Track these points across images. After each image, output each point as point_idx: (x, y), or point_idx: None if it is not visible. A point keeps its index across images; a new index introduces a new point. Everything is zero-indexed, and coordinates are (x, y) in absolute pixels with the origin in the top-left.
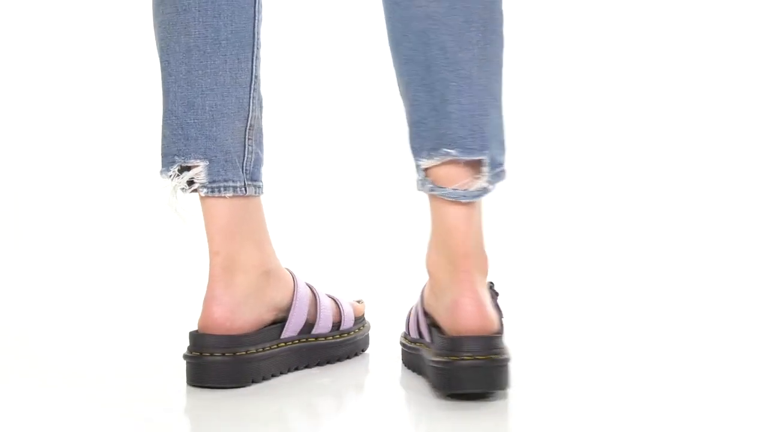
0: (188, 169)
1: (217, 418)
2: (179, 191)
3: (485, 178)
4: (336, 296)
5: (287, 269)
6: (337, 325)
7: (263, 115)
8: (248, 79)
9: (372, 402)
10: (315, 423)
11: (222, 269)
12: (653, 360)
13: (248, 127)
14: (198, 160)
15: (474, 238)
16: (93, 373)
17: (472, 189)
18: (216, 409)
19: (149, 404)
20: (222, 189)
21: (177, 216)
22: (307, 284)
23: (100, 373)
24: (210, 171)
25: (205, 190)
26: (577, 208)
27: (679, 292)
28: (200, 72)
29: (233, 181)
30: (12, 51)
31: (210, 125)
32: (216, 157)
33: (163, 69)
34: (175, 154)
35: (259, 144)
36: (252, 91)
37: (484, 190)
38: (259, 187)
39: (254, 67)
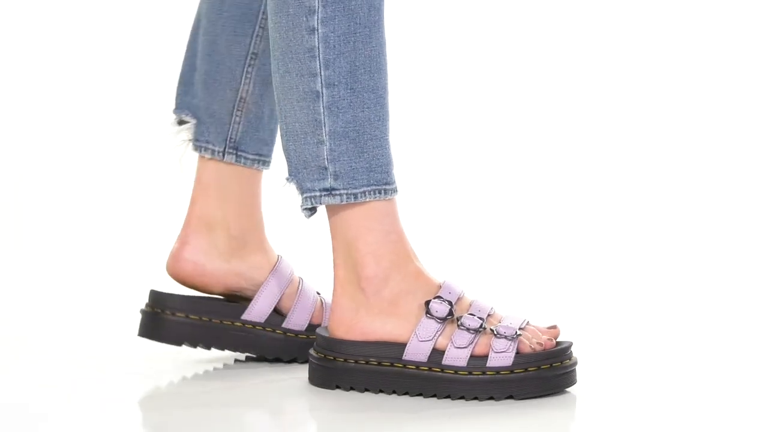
0: (184, 123)
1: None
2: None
3: (300, 201)
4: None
5: (279, 255)
6: (313, 327)
7: (267, 94)
8: (243, 53)
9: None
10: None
11: (196, 218)
12: (652, 360)
13: (238, 99)
14: (190, 117)
15: (339, 250)
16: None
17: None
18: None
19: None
20: (202, 149)
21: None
22: (300, 278)
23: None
24: (195, 130)
25: (191, 145)
26: (576, 208)
27: (679, 292)
28: (204, 38)
29: (213, 145)
30: (12, 51)
31: (202, 88)
32: (202, 118)
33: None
34: (177, 106)
35: (249, 118)
36: (246, 66)
37: (305, 210)
38: (245, 158)
39: (252, 43)
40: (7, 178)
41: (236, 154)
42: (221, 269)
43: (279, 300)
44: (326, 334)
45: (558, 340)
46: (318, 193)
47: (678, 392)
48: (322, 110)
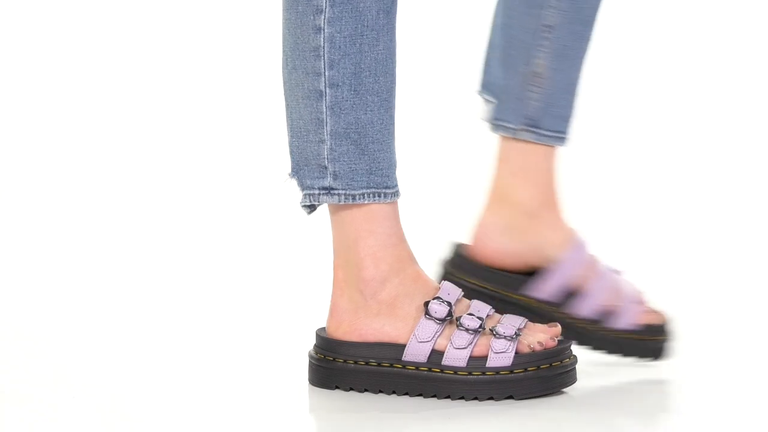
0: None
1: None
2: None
3: (300, 198)
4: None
5: (574, 231)
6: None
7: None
8: (535, 25)
9: None
10: None
11: (493, 194)
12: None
13: (532, 74)
14: (490, 97)
15: (339, 251)
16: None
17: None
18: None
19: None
20: (500, 129)
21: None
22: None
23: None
24: (494, 109)
25: (489, 126)
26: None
27: (679, 291)
28: (501, 12)
29: (509, 123)
30: (12, 51)
31: (498, 65)
32: (500, 96)
33: None
34: (480, 86)
35: (545, 93)
36: (540, 39)
37: (304, 207)
38: (541, 134)
39: (545, 15)
40: (7, 179)
41: (533, 131)
42: (519, 247)
43: (573, 279)
44: (325, 335)
45: (558, 339)
46: (317, 192)
47: (678, 393)
48: (324, 109)
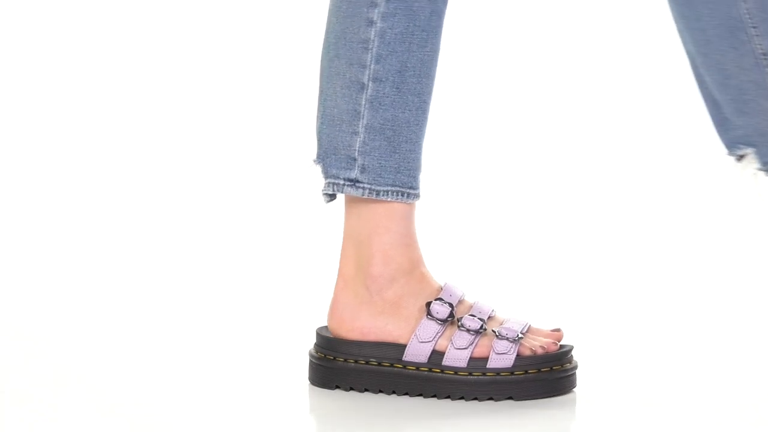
0: (742, 157)
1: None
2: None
3: (322, 185)
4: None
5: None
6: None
7: None
8: (752, 61)
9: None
10: None
11: None
12: (653, 363)
13: None
14: (745, 149)
15: (350, 244)
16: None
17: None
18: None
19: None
20: None
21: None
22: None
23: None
24: (757, 155)
25: (762, 173)
26: (579, 211)
27: (680, 295)
28: (708, 70)
29: None
30: (12, 51)
31: (736, 114)
32: (754, 141)
33: None
34: (728, 148)
35: None
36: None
37: (325, 195)
38: None
39: (756, 44)
40: (8, 179)
41: None
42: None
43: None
44: (326, 334)
45: (560, 343)
46: (342, 182)
47: (678, 396)
48: (363, 102)
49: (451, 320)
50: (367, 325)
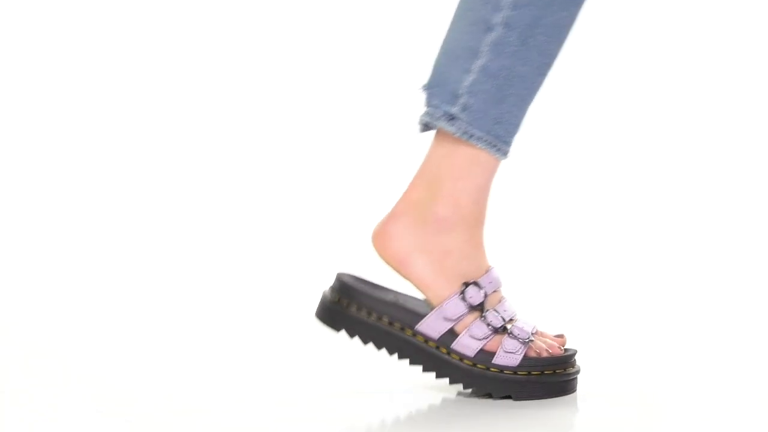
0: None
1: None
2: None
3: (421, 113)
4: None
5: None
6: None
7: None
8: None
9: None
10: None
11: None
12: (653, 365)
13: None
14: None
15: (425, 177)
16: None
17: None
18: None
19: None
20: None
21: None
22: None
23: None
24: None
25: None
26: (581, 213)
27: (682, 298)
28: None
29: None
30: (12, 51)
31: None
32: None
33: None
34: None
35: None
36: None
37: (420, 124)
38: None
39: None
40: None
41: None
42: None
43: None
44: (348, 281)
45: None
46: (440, 114)
47: (678, 398)
48: (486, 43)
49: (478, 308)
50: (408, 260)
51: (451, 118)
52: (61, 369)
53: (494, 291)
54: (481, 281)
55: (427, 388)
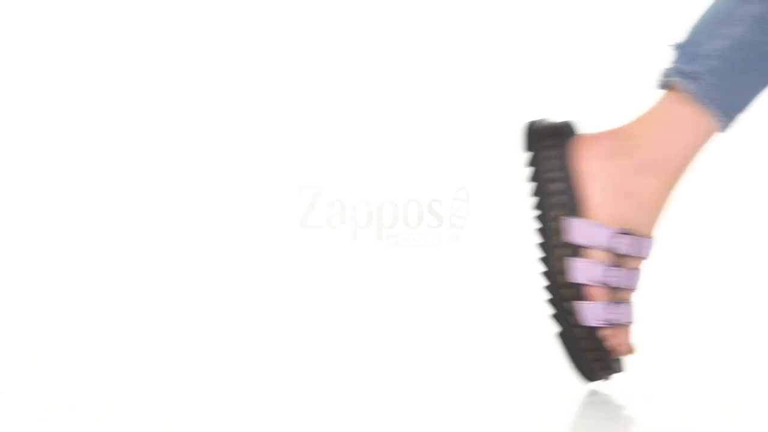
0: None
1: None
2: None
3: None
4: None
5: None
6: None
7: None
8: None
9: None
10: None
11: None
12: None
13: None
14: None
15: (645, 118)
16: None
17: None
18: None
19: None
20: None
21: None
22: None
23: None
24: None
25: None
26: None
27: (682, 298)
28: None
29: None
30: (12, 51)
31: None
32: None
33: None
34: None
35: None
36: None
37: (661, 81)
38: None
39: None
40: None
41: None
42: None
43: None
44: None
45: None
46: (686, 71)
47: (679, 400)
48: (748, 15)
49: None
50: (590, 175)
51: (694, 78)
52: (61, 369)
53: (636, 258)
54: (635, 240)
55: (428, 386)
